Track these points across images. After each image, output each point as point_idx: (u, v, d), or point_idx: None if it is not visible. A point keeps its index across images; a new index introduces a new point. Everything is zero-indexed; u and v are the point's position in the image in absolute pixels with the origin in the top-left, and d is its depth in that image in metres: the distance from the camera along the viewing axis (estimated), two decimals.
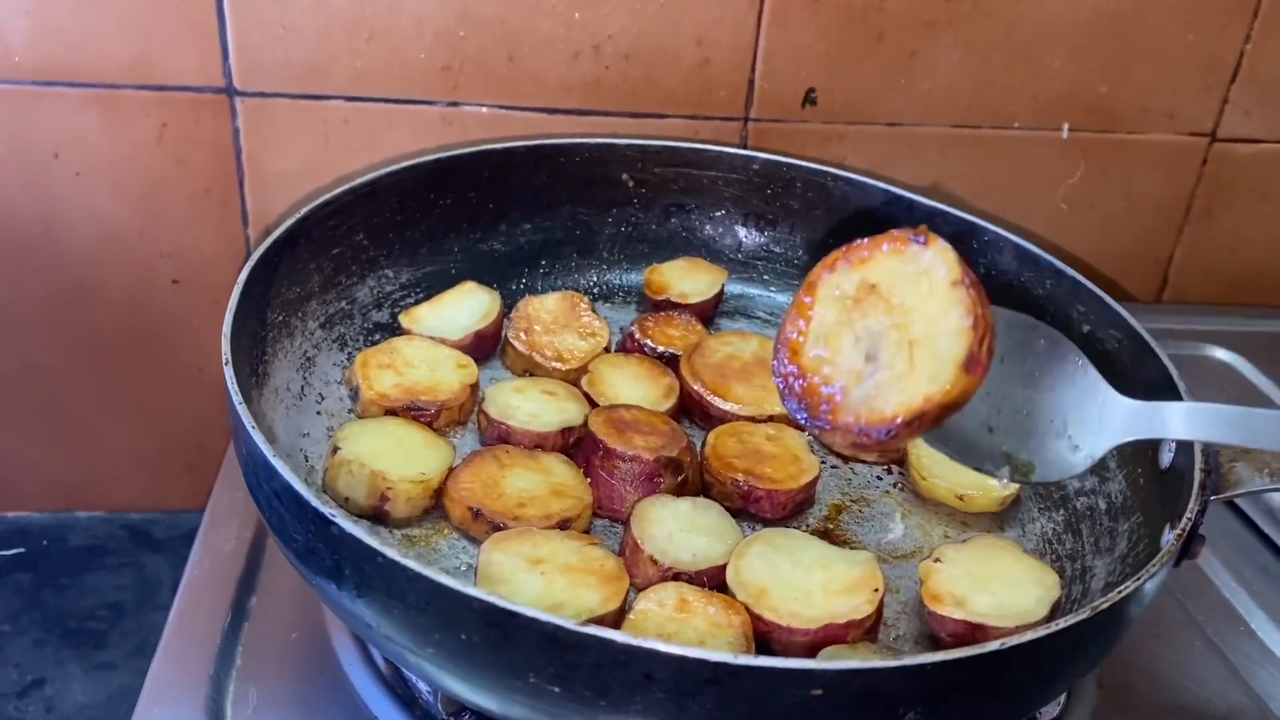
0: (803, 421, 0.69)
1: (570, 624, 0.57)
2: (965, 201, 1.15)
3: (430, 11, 1.05)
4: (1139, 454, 0.86)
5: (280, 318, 0.90)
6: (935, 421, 0.65)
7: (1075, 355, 0.72)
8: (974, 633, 0.74)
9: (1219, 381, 1.16)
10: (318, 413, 0.91)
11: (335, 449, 0.83)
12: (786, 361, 0.70)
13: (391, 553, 0.60)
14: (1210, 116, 1.21)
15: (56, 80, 1.03)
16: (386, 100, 1.08)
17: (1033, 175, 1.21)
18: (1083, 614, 0.62)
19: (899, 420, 0.65)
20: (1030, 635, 0.61)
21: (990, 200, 1.21)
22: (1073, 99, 1.17)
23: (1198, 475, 0.73)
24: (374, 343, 0.97)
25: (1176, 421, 0.68)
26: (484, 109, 1.10)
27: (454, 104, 1.09)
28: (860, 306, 0.69)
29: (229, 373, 0.73)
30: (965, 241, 1.05)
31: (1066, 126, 1.18)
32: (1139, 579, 0.65)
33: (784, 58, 1.11)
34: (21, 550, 1.21)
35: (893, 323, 0.67)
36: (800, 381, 0.69)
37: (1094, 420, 0.71)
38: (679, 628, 0.73)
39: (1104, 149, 1.20)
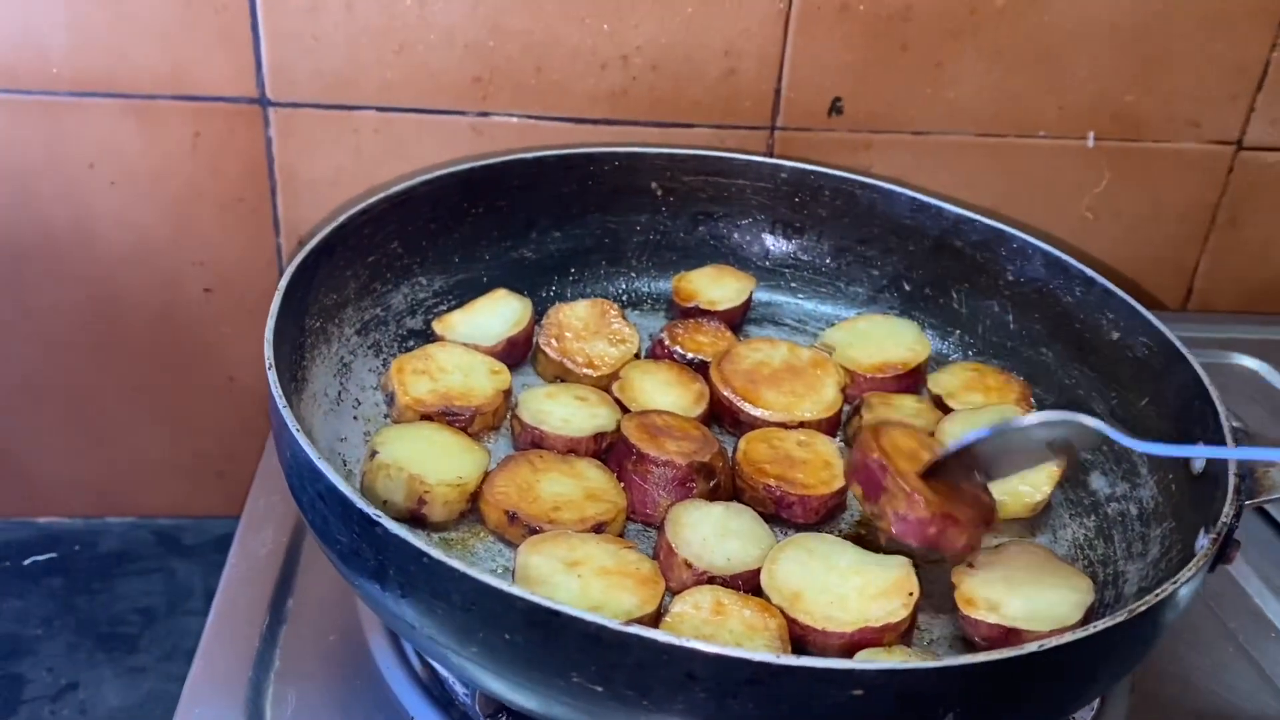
0: None
1: (613, 623, 0.58)
2: (991, 210, 1.16)
3: (460, 23, 1.06)
4: (1171, 460, 0.87)
5: (318, 324, 0.91)
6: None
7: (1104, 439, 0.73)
8: (1008, 637, 0.74)
9: (1245, 389, 1.16)
10: (354, 418, 0.92)
11: (373, 453, 0.84)
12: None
13: (436, 553, 0.61)
14: (1236, 124, 1.21)
15: (93, 91, 1.05)
16: (417, 110, 1.10)
17: (1058, 184, 1.22)
18: (1120, 617, 0.63)
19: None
20: (1069, 637, 0.61)
21: (1015, 209, 1.21)
22: (1098, 107, 1.18)
23: (1232, 480, 0.74)
24: (408, 349, 0.98)
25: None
26: (513, 119, 1.11)
27: (483, 114, 1.10)
28: None
29: (272, 376, 0.74)
30: (993, 249, 1.05)
31: (1092, 135, 1.18)
32: (1176, 583, 0.65)
33: (810, 67, 1.12)
34: (54, 555, 1.22)
35: None
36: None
37: None
38: (715, 630, 0.74)
39: (1129, 157, 1.21)
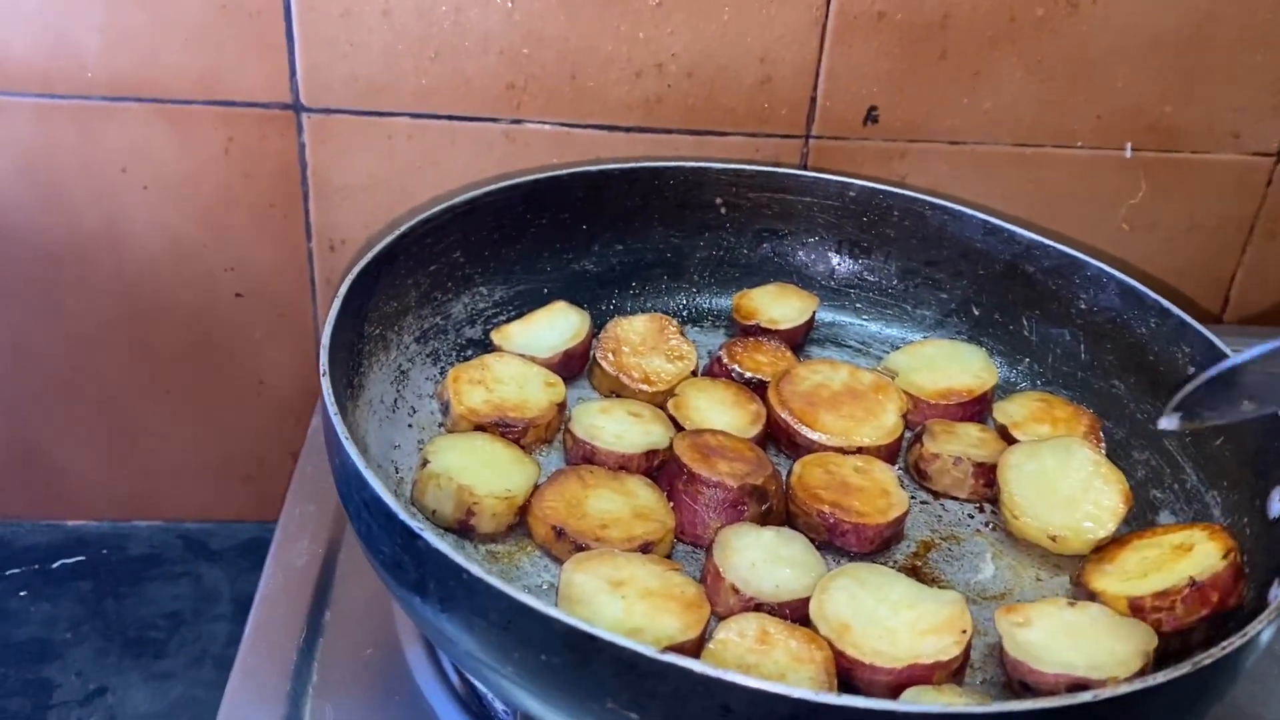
0: None
1: (650, 651, 0.57)
2: (1026, 221, 1.13)
3: (495, 30, 1.06)
4: (1245, 504, 0.83)
5: (377, 331, 0.91)
6: None
7: None
8: (1062, 683, 0.71)
9: None
10: (409, 425, 0.92)
11: (425, 462, 0.84)
12: None
13: (476, 569, 0.61)
14: (1276, 136, 1.17)
15: (127, 95, 1.06)
16: (450, 117, 1.09)
17: (1094, 195, 1.19)
18: (1183, 669, 0.60)
19: None
20: (1125, 688, 0.59)
21: (1051, 220, 1.18)
22: (1136, 118, 1.15)
23: None
24: (466, 358, 0.98)
25: None
26: (546, 126, 1.10)
27: (517, 121, 1.10)
28: None
29: (325, 384, 0.74)
30: (1066, 276, 1.02)
31: (1129, 146, 1.16)
32: (1244, 635, 0.62)
33: (846, 76, 1.10)
34: (82, 558, 1.22)
35: None
36: None
37: None
38: (759, 659, 0.72)
39: (1167, 169, 1.18)
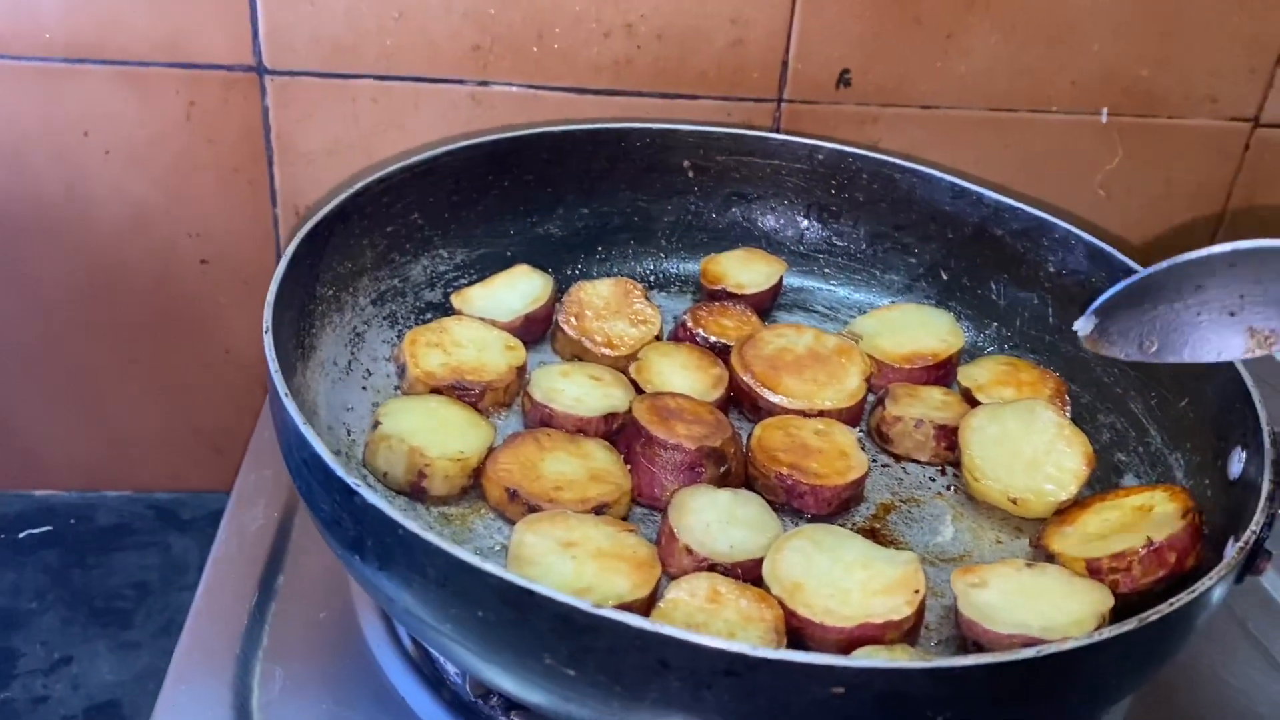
0: None
1: (585, 605, 0.56)
2: (1001, 186, 1.11)
3: None
4: (1208, 465, 0.82)
5: (330, 292, 0.90)
6: None
7: None
8: (1014, 642, 0.70)
9: (1256, 370, 1.10)
10: (363, 388, 0.91)
11: (376, 424, 0.83)
12: None
13: (412, 526, 0.60)
14: (1254, 101, 1.15)
15: (87, 58, 1.04)
16: (416, 79, 1.07)
17: (1070, 160, 1.17)
18: (1129, 625, 0.59)
19: None
20: (1072, 644, 0.57)
21: (1026, 186, 1.17)
22: (1112, 82, 1.13)
23: (1265, 487, 0.69)
24: (425, 321, 0.97)
25: None
26: (513, 89, 1.08)
27: (483, 83, 1.08)
28: None
29: (268, 340, 0.73)
30: (1034, 238, 1.01)
31: (1105, 111, 1.14)
32: (1193, 591, 0.61)
33: (818, 38, 1.08)
34: (49, 528, 1.21)
35: None
36: None
37: None
38: (708, 619, 0.71)
39: (1144, 134, 1.16)
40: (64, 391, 1.20)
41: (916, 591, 0.72)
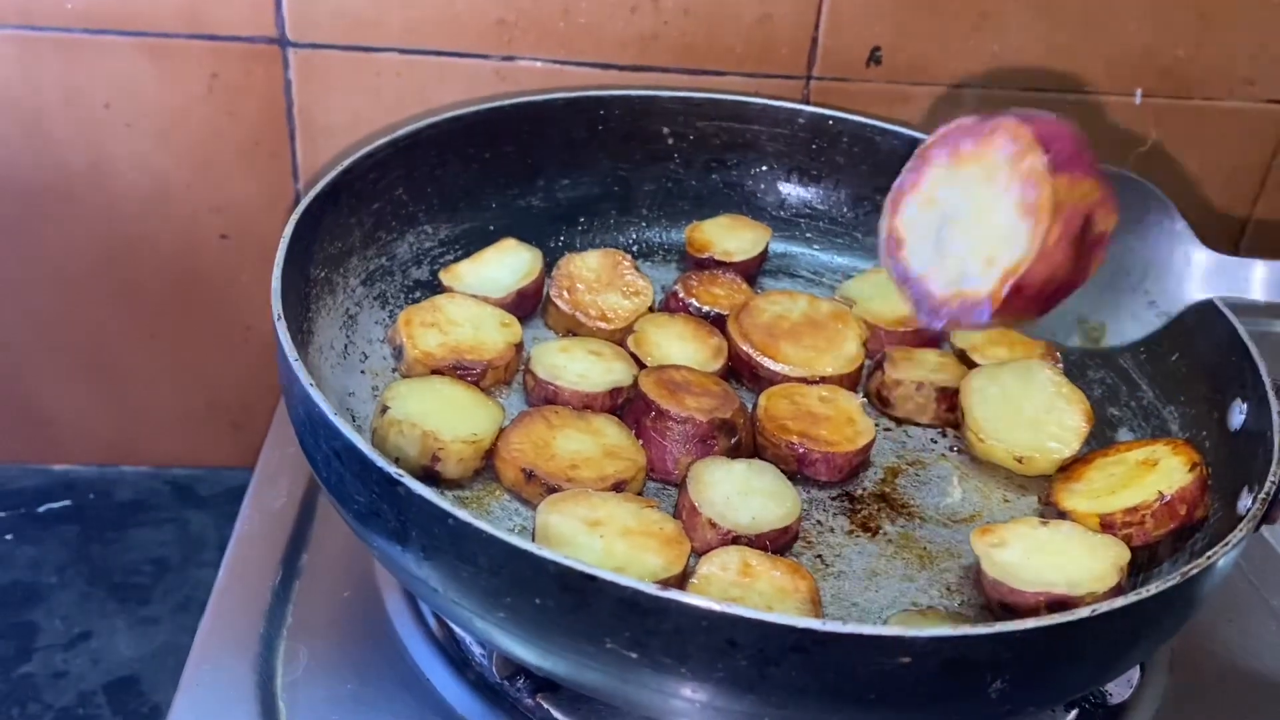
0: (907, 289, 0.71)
1: (651, 588, 0.56)
2: None
3: None
4: (1204, 417, 0.85)
5: (322, 274, 0.87)
6: (1037, 306, 0.66)
7: (1164, 206, 0.70)
8: (1047, 604, 0.71)
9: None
10: (361, 371, 0.88)
11: (384, 408, 0.81)
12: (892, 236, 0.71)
13: (463, 514, 0.58)
14: None
15: (108, 28, 1.01)
16: (439, 53, 1.05)
17: (1103, 142, 1.16)
18: (1171, 581, 0.61)
19: (987, 301, 0.66)
20: (1119, 602, 0.59)
21: None
22: (1147, 63, 1.13)
23: (1277, 438, 0.72)
24: (414, 300, 0.95)
25: (1260, 280, 0.66)
26: (538, 64, 1.06)
27: (508, 58, 1.06)
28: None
29: (281, 329, 0.71)
30: None
31: (1140, 92, 1.13)
32: (1227, 545, 0.63)
33: (849, 14, 1.07)
34: (68, 503, 1.20)
35: (971, 208, 0.69)
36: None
37: (1175, 274, 0.69)
38: (744, 592, 0.71)
39: (1178, 115, 1.16)
40: (83, 366, 1.18)
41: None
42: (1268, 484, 0.68)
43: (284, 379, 0.70)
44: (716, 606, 0.55)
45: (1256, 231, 1.24)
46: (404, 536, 0.62)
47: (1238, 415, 0.79)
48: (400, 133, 0.93)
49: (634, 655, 0.58)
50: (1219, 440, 0.82)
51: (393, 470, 0.61)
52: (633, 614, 0.56)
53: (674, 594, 0.55)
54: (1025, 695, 0.62)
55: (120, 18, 1.01)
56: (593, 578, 0.56)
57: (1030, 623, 0.57)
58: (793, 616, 0.55)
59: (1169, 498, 0.76)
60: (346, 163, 0.88)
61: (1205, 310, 0.86)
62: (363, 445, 0.62)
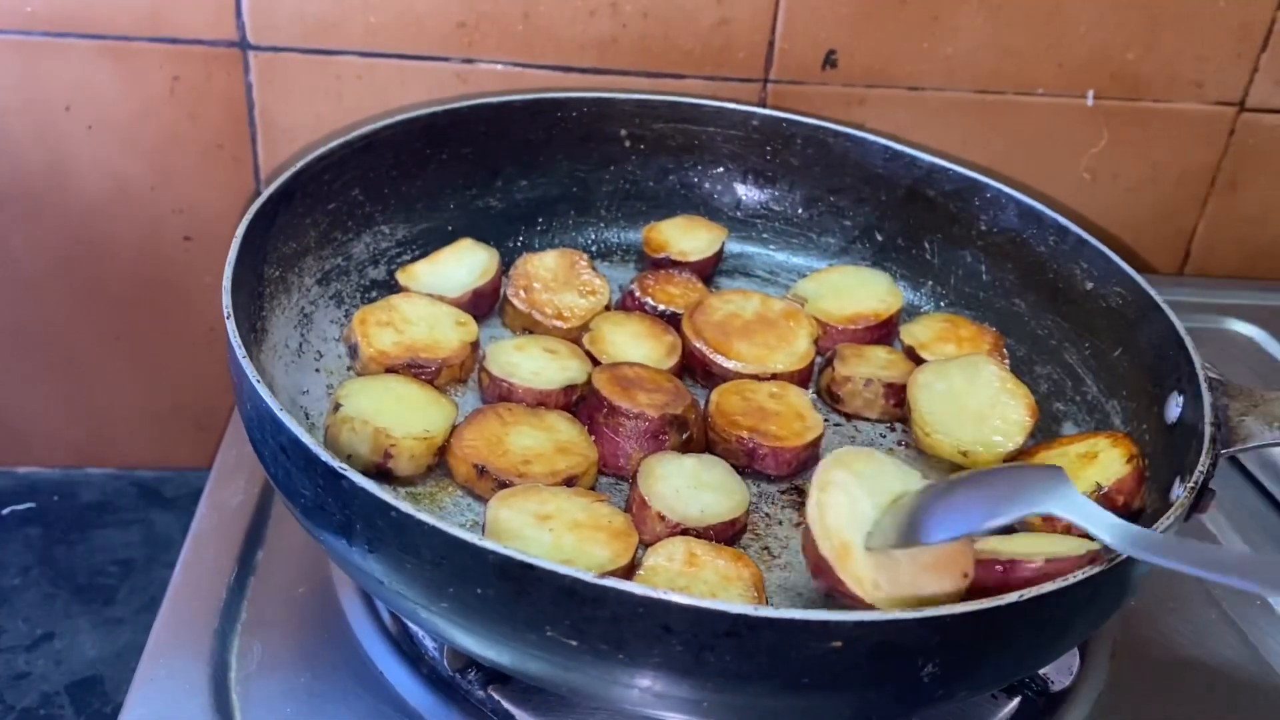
0: None
1: (588, 576, 0.57)
2: (987, 169, 1.13)
3: None
4: (1144, 411, 0.87)
5: (277, 273, 0.88)
6: None
7: None
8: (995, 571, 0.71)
9: (1240, 355, 1.14)
10: (316, 370, 0.89)
11: (337, 406, 0.81)
12: None
13: (405, 507, 0.59)
14: (1239, 85, 1.18)
15: (69, 31, 1.02)
16: (400, 56, 1.06)
17: (1056, 143, 1.19)
18: (1100, 567, 0.62)
19: None
20: (1050, 587, 0.60)
21: (1012, 168, 1.19)
22: (1098, 66, 1.15)
23: (1207, 429, 0.73)
24: (370, 300, 0.96)
25: None
26: (498, 66, 1.08)
27: (468, 61, 1.07)
28: None
29: (231, 327, 0.71)
30: (966, 198, 1.04)
31: (1091, 94, 1.16)
32: (1155, 530, 0.65)
33: (805, 18, 1.09)
34: (32, 505, 1.21)
35: None
36: None
37: None
38: (689, 581, 0.73)
39: (1129, 117, 1.18)
40: (47, 368, 1.18)
41: (965, 575, 0.69)
42: (1195, 474, 0.70)
43: (234, 375, 0.71)
44: (651, 593, 0.56)
45: (1206, 232, 1.27)
46: (349, 530, 0.63)
47: (1174, 408, 0.81)
48: (355, 134, 0.95)
49: (574, 643, 0.59)
50: (1157, 433, 0.83)
51: (336, 464, 0.62)
52: (571, 602, 0.58)
53: (610, 581, 0.57)
54: (958, 679, 0.63)
55: (80, 20, 1.01)
56: (531, 566, 0.57)
57: (958, 607, 0.58)
58: (725, 602, 0.56)
59: (1106, 489, 0.78)
60: (300, 164, 0.89)
61: (1145, 305, 0.88)
62: (307, 439, 0.63)
